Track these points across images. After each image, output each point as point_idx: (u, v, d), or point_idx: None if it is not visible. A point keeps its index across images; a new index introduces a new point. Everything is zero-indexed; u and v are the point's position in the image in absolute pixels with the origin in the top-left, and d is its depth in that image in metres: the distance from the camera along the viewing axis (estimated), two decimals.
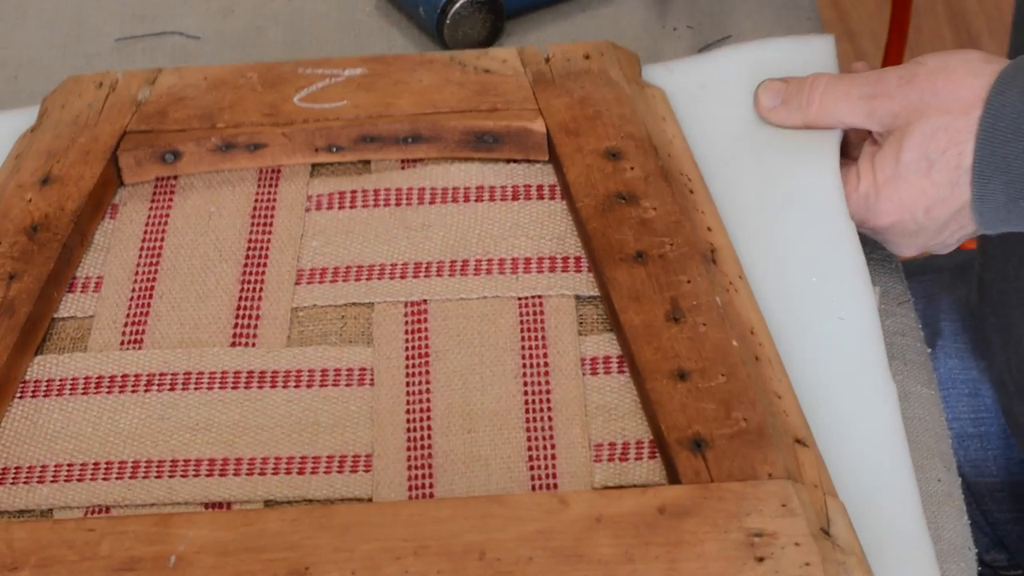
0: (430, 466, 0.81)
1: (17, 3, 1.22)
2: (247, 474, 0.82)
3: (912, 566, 0.78)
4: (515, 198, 0.94)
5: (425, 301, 0.89)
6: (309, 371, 0.86)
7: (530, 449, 0.82)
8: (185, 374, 0.86)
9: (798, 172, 0.94)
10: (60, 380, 0.86)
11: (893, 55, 2.07)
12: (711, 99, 0.99)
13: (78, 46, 1.17)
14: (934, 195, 0.90)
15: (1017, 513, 1.19)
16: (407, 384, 0.85)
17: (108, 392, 0.86)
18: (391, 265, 0.91)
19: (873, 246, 0.96)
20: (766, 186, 0.94)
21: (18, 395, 0.86)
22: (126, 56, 1.16)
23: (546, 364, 0.85)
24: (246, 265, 0.92)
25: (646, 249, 0.88)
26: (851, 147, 0.96)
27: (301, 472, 0.82)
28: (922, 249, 0.94)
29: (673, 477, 0.79)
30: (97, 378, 0.86)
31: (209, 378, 0.86)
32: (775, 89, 0.96)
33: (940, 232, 0.92)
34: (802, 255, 0.91)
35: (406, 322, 0.88)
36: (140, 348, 0.88)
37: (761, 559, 0.72)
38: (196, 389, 0.85)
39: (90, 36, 1.18)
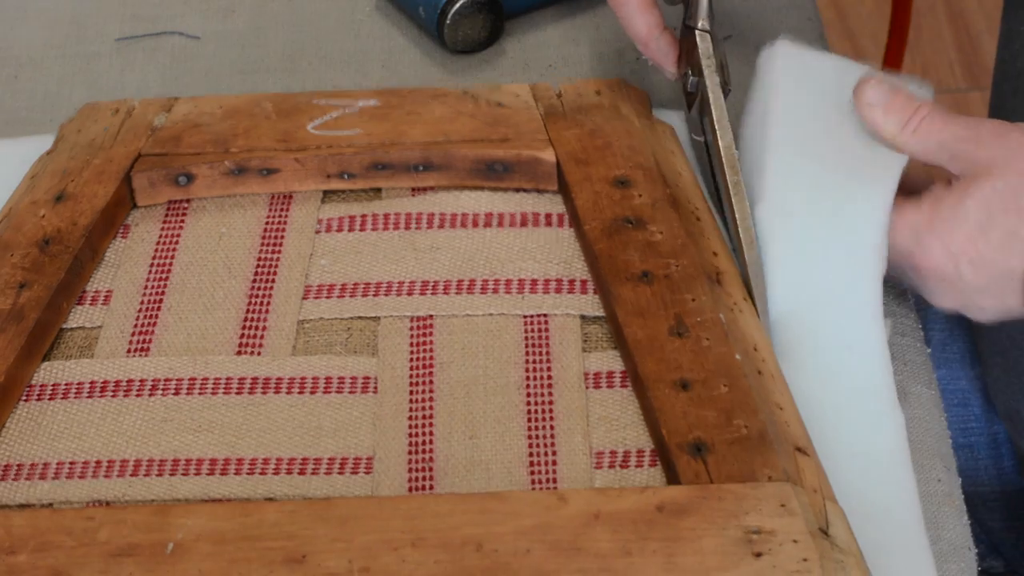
0: (431, 469, 0.81)
1: (17, 3, 1.22)
2: (248, 473, 0.82)
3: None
4: (523, 224, 0.95)
5: (431, 316, 0.89)
6: (313, 378, 0.86)
7: (531, 455, 0.82)
8: (190, 379, 0.86)
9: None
10: (66, 384, 0.87)
11: (893, 55, 2.07)
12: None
13: (78, 46, 1.18)
14: (982, 251, 0.86)
15: (1011, 521, 1.18)
16: (410, 392, 0.85)
17: (112, 396, 0.86)
18: (398, 283, 0.91)
19: None
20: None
21: (24, 399, 0.86)
22: (126, 56, 1.17)
23: (549, 377, 0.86)
24: (254, 281, 0.92)
25: (652, 269, 0.88)
26: (921, 186, 0.91)
27: (302, 472, 0.82)
28: (958, 306, 0.90)
29: (673, 480, 0.78)
30: (102, 383, 0.87)
31: (213, 383, 0.86)
32: (882, 92, 0.91)
33: (980, 293, 0.88)
34: (818, 281, 0.90)
35: (411, 335, 0.88)
36: (147, 356, 0.88)
37: (759, 554, 0.72)
38: (200, 393, 0.86)
39: (90, 36, 1.19)
